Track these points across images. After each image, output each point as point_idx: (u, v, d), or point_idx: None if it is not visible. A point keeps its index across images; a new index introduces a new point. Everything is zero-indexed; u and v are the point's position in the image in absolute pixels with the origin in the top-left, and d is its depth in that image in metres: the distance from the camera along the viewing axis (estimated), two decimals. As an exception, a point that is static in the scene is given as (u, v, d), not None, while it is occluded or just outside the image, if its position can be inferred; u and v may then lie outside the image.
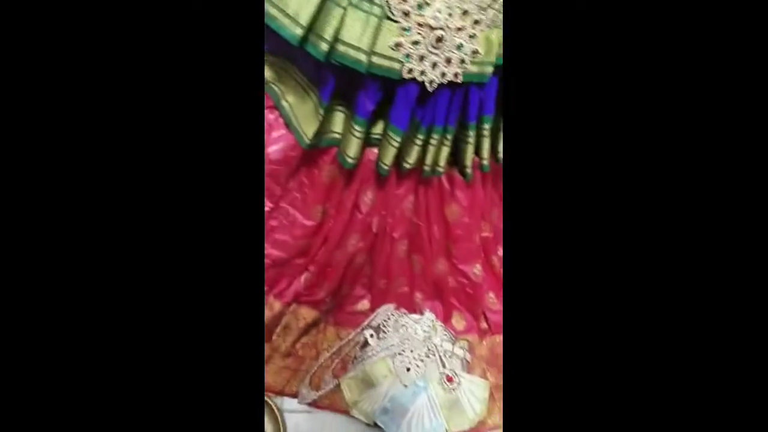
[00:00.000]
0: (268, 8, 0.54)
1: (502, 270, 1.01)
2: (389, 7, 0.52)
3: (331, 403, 0.88)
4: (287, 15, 0.53)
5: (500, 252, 1.03)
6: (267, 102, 0.77)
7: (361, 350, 0.96)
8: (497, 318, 1.00)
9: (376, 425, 0.84)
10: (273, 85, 0.74)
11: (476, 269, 0.97)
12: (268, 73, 0.72)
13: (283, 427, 0.83)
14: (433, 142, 0.69)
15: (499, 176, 0.89)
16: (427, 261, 0.96)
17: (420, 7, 0.53)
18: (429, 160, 0.72)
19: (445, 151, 0.70)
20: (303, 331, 0.99)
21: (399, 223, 0.91)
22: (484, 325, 1.00)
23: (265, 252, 0.97)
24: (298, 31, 0.52)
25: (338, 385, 0.88)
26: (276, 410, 0.86)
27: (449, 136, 0.68)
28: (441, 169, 0.74)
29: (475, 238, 0.93)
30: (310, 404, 0.88)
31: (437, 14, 0.53)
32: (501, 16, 0.52)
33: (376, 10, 0.52)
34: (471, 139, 0.69)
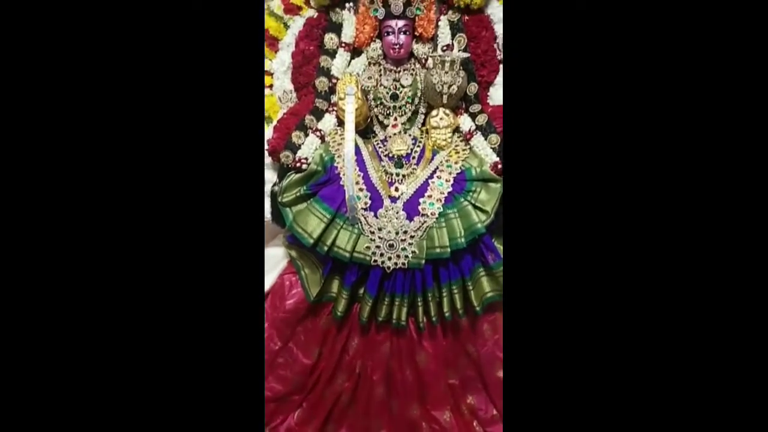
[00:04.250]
0: (294, 226, 0.97)
1: (470, 417, 1.19)
2: (364, 231, 0.98)
3: None
4: (305, 231, 0.97)
5: (469, 399, 1.22)
6: (289, 268, 1.15)
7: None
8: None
9: None
10: (297, 261, 1.12)
11: (446, 415, 1.13)
12: (293, 253, 1.12)
13: None
14: (396, 303, 1.03)
15: (462, 331, 1.17)
16: (402, 405, 1.14)
17: (380, 230, 0.97)
18: (394, 315, 1.05)
19: (404, 310, 1.04)
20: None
21: (378, 367, 1.15)
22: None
23: (269, 386, 1.22)
24: (311, 241, 0.97)
25: None
26: None
27: (406, 300, 1.03)
28: (403, 323, 1.06)
29: (442, 384, 1.13)
30: None
31: (389, 232, 0.97)
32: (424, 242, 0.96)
33: (356, 230, 0.98)
34: (420, 303, 1.03)
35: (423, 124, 1.10)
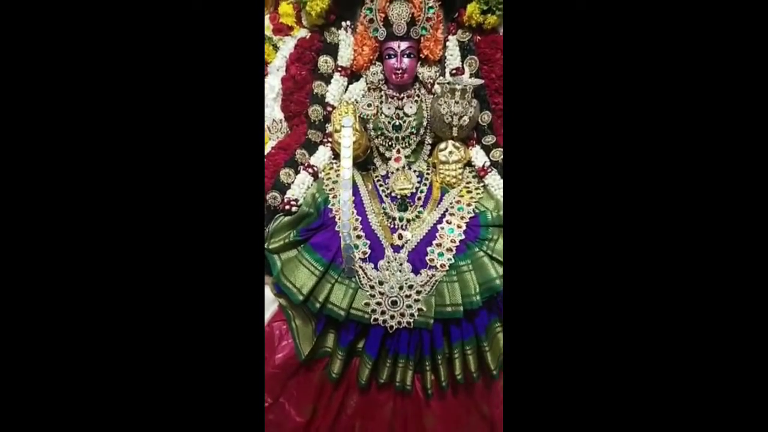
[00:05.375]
0: (281, 278, 0.85)
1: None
2: (362, 285, 0.85)
3: None
4: (294, 285, 0.83)
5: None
6: (279, 315, 1.02)
7: None
8: None
9: None
10: (288, 310, 0.99)
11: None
12: (283, 301, 0.99)
13: None
14: (400, 364, 0.89)
15: (476, 390, 1.03)
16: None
17: (380, 283, 0.84)
18: (398, 378, 0.91)
19: (409, 373, 0.90)
20: None
21: (380, 428, 1.01)
22: None
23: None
24: (300, 297, 0.84)
25: None
26: None
27: (411, 362, 0.89)
28: (409, 387, 0.92)
29: (452, 450, 1.01)
30: None
31: (392, 287, 0.83)
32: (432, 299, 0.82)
33: (353, 284, 0.84)
34: (428, 365, 0.89)
35: (429, 156, 0.98)
